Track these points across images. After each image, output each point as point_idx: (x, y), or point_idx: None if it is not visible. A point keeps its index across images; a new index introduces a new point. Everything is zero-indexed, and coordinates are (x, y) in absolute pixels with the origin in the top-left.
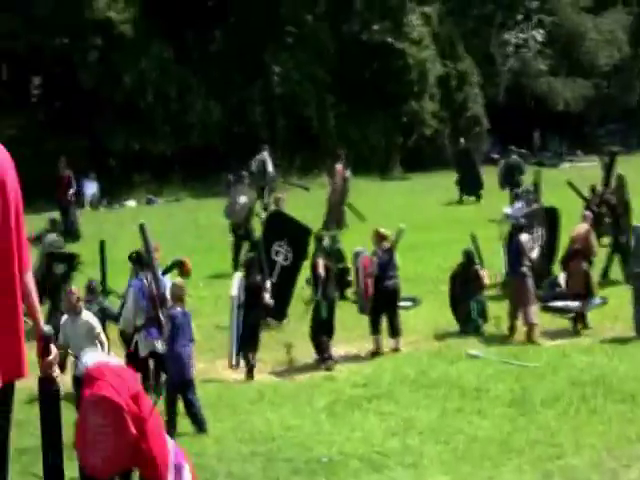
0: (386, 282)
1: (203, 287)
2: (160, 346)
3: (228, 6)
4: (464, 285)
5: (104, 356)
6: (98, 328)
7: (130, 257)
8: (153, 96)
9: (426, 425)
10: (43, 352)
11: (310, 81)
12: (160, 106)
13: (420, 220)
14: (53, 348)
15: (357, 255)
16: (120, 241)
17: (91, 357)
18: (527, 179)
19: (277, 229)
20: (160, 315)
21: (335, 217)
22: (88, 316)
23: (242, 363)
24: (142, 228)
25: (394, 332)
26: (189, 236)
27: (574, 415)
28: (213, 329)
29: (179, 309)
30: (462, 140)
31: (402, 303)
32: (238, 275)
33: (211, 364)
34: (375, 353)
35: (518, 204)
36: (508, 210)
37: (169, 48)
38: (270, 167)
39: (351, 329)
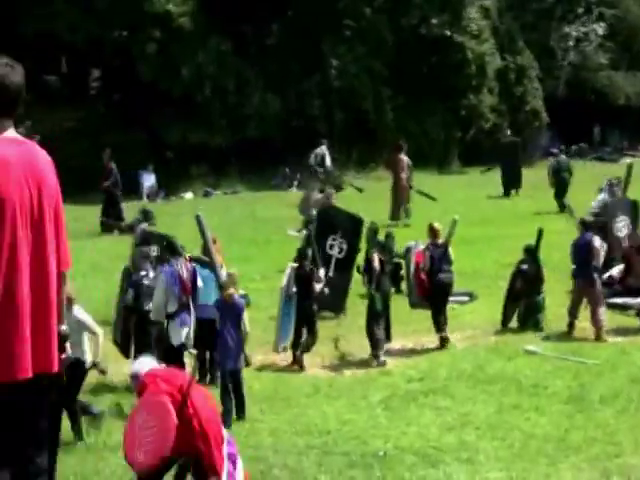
0: (439, 276)
1: (259, 280)
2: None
3: None
4: (525, 282)
5: (152, 362)
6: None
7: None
8: (211, 89)
9: (482, 421)
10: (58, 349)
11: (368, 74)
12: (218, 99)
13: (477, 214)
14: (67, 346)
15: (409, 250)
16: (177, 233)
17: (142, 363)
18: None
19: (330, 223)
20: (190, 303)
21: (401, 207)
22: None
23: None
24: (198, 219)
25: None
26: (246, 229)
27: (633, 413)
28: (269, 322)
29: (226, 298)
30: (509, 133)
31: (458, 298)
32: (290, 266)
33: (267, 357)
34: (442, 346)
35: (601, 196)
36: (594, 204)
37: (227, 41)
38: (328, 161)
39: (407, 323)
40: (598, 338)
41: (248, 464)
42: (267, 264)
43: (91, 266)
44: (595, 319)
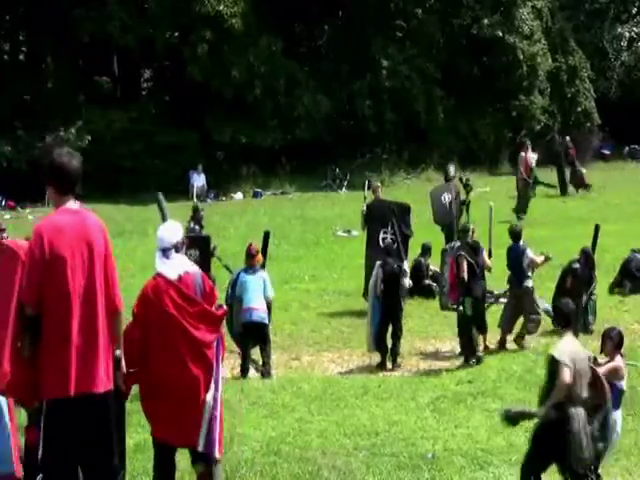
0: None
1: (309, 280)
2: None
3: (338, 0)
4: (576, 281)
5: None
6: None
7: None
8: (261, 89)
9: (532, 424)
10: (115, 367)
11: (419, 75)
12: (268, 99)
13: (528, 215)
14: (123, 365)
15: (445, 251)
16: (227, 233)
17: None
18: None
19: (379, 217)
20: None
21: (522, 205)
22: None
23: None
24: (158, 198)
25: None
26: (295, 229)
27: None
28: (318, 322)
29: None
30: (557, 136)
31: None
32: (378, 264)
33: (316, 357)
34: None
35: None
36: None
37: (278, 41)
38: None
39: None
40: (517, 342)
41: (297, 465)
42: (316, 264)
43: (141, 266)
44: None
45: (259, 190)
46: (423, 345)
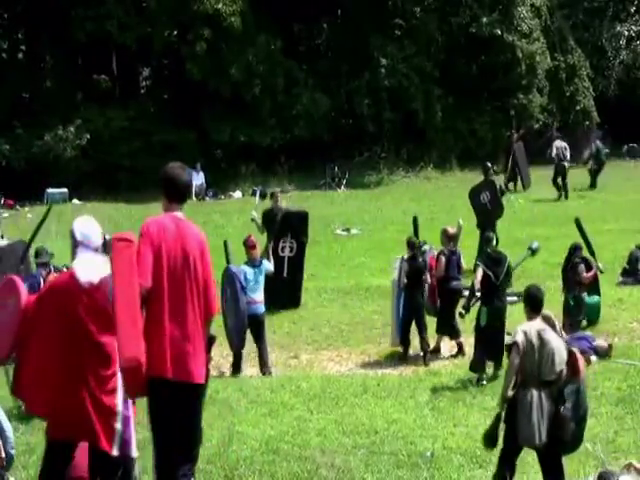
0: (452, 283)
1: (307, 279)
2: None
3: None
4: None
5: None
6: None
7: None
8: (260, 88)
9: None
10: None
11: (417, 73)
12: (267, 98)
13: (526, 215)
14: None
15: (423, 253)
16: (227, 232)
17: None
18: None
19: (278, 225)
20: None
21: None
22: None
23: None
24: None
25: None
26: None
27: None
28: (317, 321)
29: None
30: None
31: (508, 298)
32: (398, 258)
33: (315, 356)
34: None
35: None
36: None
37: (276, 40)
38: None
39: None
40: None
41: (295, 463)
42: (315, 263)
43: None
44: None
45: (258, 189)
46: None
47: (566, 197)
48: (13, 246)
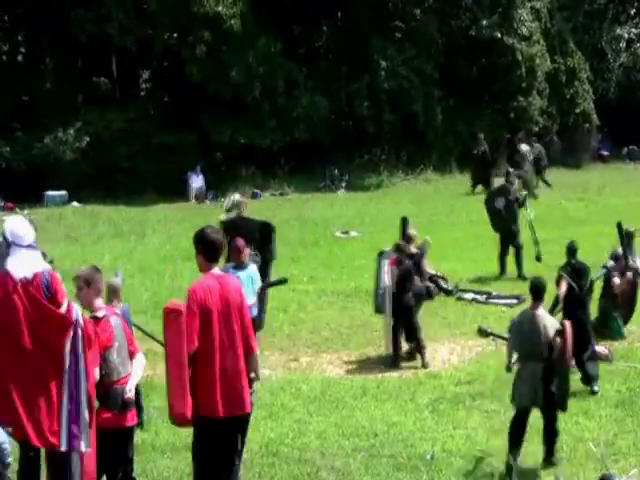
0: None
1: (307, 281)
2: None
3: (336, 0)
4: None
5: None
6: None
7: None
8: (260, 90)
9: (530, 424)
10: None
11: (417, 76)
12: (267, 100)
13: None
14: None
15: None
16: None
17: None
18: None
19: (242, 234)
20: None
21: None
22: None
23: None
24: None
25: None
26: (294, 230)
27: None
28: (317, 323)
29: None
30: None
31: (507, 301)
32: (385, 263)
33: (315, 358)
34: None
35: None
36: None
37: (276, 42)
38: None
39: (455, 326)
40: None
41: (295, 466)
42: (315, 265)
43: (139, 267)
44: None
45: (258, 191)
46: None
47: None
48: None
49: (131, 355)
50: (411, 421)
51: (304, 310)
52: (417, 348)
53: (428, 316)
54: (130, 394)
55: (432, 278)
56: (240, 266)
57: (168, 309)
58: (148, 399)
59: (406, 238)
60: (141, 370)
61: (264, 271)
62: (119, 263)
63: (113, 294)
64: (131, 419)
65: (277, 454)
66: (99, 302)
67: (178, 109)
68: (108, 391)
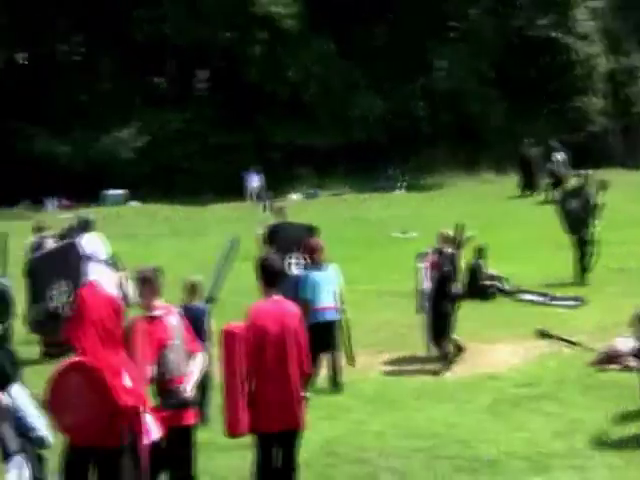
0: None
1: (365, 282)
2: None
3: (392, 1)
4: None
5: None
6: None
7: None
8: (317, 90)
9: (593, 427)
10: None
11: (474, 76)
12: (323, 100)
13: None
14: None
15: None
16: None
17: None
18: None
19: (284, 241)
20: None
21: None
22: None
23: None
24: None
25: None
26: (350, 230)
27: None
28: (375, 324)
29: None
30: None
31: (566, 302)
32: (421, 267)
33: (373, 358)
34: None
35: None
36: None
37: (333, 42)
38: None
39: (514, 327)
40: None
41: (354, 466)
42: (372, 266)
43: (197, 266)
44: None
45: (314, 190)
46: (481, 347)
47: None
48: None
49: (190, 354)
50: (470, 422)
51: (362, 310)
52: (441, 352)
53: (488, 317)
54: (188, 393)
55: (491, 279)
56: (318, 266)
57: (226, 331)
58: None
59: (444, 239)
60: (200, 369)
61: None
62: (176, 262)
63: (193, 291)
64: (190, 418)
65: (336, 454)
66: (157, 301)
67: (235, 109)
68: (166, 390)
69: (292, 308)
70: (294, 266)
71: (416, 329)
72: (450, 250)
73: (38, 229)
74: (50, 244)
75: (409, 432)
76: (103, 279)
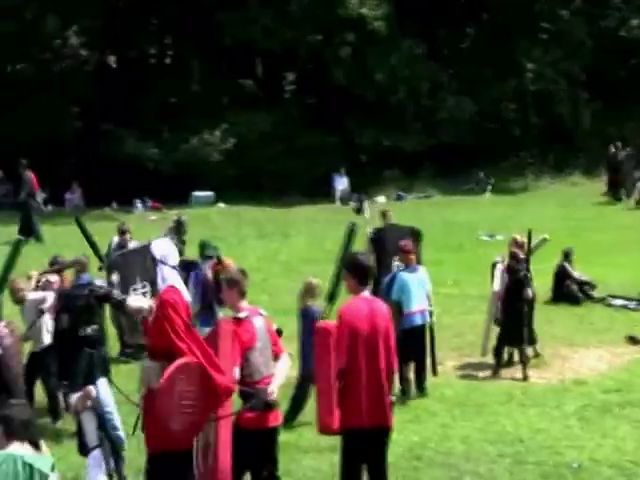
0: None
1: (451, 285)
2: None
3: (481, 2)
4: None
5: None
6: None
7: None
8: (404, 92)
9: None
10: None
11: (564, 78)
12: (411, 102)
13: None
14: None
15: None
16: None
17: None
18: None
19: (392, 243)
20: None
21: None
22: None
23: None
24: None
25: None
26: (438, 233)
27: None
28: (461, 327)
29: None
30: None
31: (632, 304)
32: (499, 268)
33: (459, 362)
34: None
35: None
36: None
37: (421, 44)
38: None
39: (603, 333)
40: None
41: (439, 470)
42: (459, 269)
43: (284, 268)
44: None
45: (402, 193)
46: (568, 352)
47: None
48: (142, 248)
49: (275, 356)
50: (557, 428)
51: (449, 313)
52: (496, 359)
53: (576, 322)
54: (273, 395)
55: (580, 283)
56: (409, 268)
57: (320, 328)
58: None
59: (517, 245)
60: (285, 370)
61: None
62: (263, 263)
63: (312, 293)
64: (274, 419)
65: (421, 458)
66: (243, 303)
67: (322, 111)
68: (250, 391)
69: (382, 306)
70: (395, 268)
71: None
72: (522, 255)
73: (122, 232)
74: (132, 245)
75: (495, 437)
76: (177, 283)
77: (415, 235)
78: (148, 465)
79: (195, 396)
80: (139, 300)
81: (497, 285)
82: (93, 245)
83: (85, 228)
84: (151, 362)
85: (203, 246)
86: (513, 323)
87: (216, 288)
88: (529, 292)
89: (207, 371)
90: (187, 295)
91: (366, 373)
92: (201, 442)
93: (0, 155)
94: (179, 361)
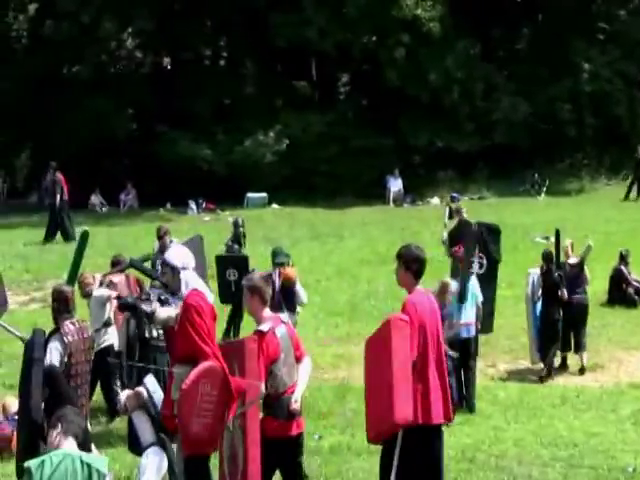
0: (574, 296)
1: (505, 287)
2: None
3: (537, 3)
4: None
5: None
6: None
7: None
8: (459, 93)
9: None
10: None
11: (621, 78)
12: (465, 103)
13: None
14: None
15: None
16: (422, 239)
17: None
18: None
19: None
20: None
21: None
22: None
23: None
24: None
25: (579, 348)
26: None
27: None
28: (515, 329)
29: None
30: None
31: None
32: (533, 272)
33: (512, 365)
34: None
35: None
36: None
37: (475, 45)
38: None
39: None
40: None
41: (491, 473)
42: (513, 271)
43: (337, 270)
44: None
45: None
46: (624, 356)
47: None
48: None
49: (297, 360)
50: (612, 432)
51: (502, 316)
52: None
53: (632, 324)
54: (296, 405)
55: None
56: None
57: (396, 318)
58: (345, 400)
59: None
60: (307, 376)
61: (491, 273)
62: (317, 265)
63: (444, 291)
64: (297, 427)
65: (473, 460)
66: (265, 312)
67: (376, 112)
68: (275, 401)
69: (434, 300)
70: (476, 265)
71: None
72: (574, 259)
73: (160, 237)
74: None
75: (549, 440)
76: (200, 287)
77: (493, 232)
78: (184, 466)
79: (216, 400)
80: (167, 311)
81: (528, 290)
82: (75, 264)
83: (84, 245)
84: (180, 367)
85: (275, 254)
86: (551, 325)
87: (282, 295)
88: (565, 293)
89: (228, 377)
90: (211, 297)
91: (435, 367)
92: (226, 452)
93: (57, 156)
94: (204, 365)
